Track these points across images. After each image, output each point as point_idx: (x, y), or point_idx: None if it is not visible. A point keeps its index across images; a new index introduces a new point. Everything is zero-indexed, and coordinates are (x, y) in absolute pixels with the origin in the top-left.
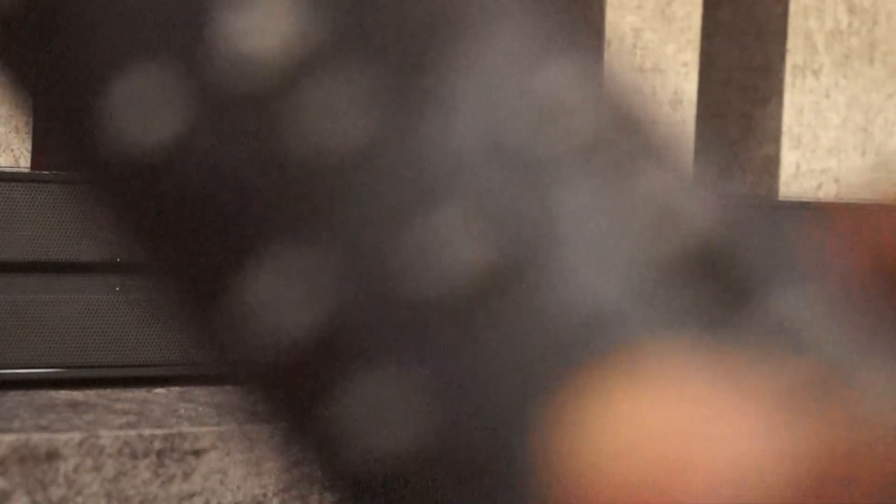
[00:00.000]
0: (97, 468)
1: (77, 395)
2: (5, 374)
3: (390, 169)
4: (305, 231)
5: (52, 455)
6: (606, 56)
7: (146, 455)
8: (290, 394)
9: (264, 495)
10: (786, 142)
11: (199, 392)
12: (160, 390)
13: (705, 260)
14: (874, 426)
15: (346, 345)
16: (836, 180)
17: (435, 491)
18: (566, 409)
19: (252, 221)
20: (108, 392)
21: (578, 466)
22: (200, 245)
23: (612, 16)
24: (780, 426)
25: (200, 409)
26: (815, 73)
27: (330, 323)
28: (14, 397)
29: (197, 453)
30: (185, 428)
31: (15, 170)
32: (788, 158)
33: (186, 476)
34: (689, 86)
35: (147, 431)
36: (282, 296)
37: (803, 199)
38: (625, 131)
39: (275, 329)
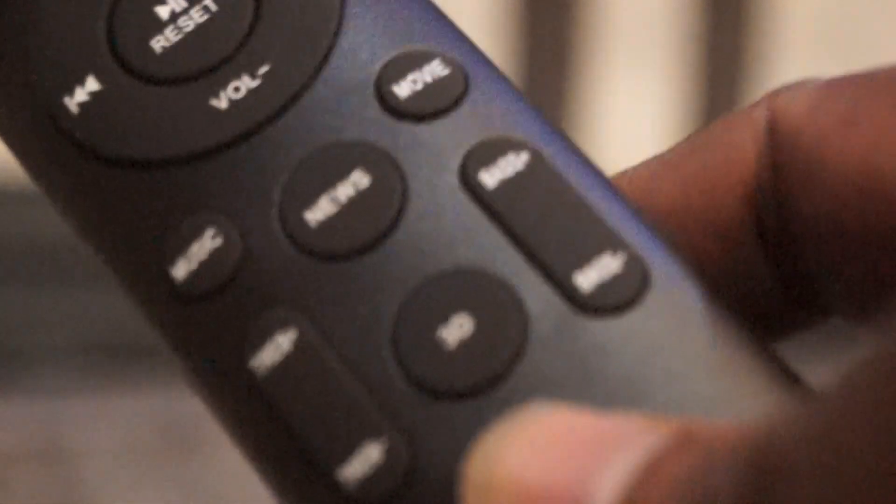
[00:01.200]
0: (104, 464)
1: (81, 391)
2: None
3: None
4: None
5: (62, 451)
6: None
7: (152, 450)
8: None
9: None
10: None
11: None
12: (160, 388)
13: None
14: None
15: None
16: None
17: None
18: None
19: None
20: (111, 389)
21: None
22: None
23: None
24: None
25: (199, 407)
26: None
27: None
28: (21, 392)
29: (198, 449)
30: (187, 425)
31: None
32: None
33: (189, 470)
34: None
35: (152, 428)
36: None
37: None
38: None
39: None
